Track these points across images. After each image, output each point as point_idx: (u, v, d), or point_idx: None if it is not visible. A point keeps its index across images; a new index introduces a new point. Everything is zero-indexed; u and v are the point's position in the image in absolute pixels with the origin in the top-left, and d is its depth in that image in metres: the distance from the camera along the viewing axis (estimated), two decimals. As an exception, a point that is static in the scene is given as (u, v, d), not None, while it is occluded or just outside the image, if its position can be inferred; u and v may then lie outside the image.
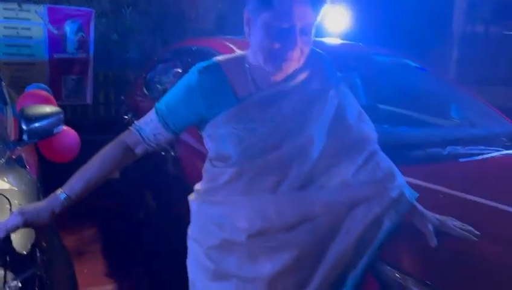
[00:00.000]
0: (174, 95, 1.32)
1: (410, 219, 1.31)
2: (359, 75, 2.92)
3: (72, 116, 5.14)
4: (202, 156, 1.43)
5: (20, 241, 1.20)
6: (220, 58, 1.32)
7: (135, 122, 1.37)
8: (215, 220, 1.33)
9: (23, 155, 1.91)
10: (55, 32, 4.77)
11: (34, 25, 4.76)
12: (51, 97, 2.48)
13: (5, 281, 1.05)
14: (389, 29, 7.79)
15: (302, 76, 1.31)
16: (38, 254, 1.21)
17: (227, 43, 2.46)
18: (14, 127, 2.10)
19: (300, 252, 1.25)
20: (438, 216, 1.33)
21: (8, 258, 1.13)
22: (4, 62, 4.61)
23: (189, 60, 2.85)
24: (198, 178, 1.42)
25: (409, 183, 1.36)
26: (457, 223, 1.32)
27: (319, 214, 1.25)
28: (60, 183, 1.30)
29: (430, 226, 1.30)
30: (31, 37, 4.78)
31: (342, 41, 3.14)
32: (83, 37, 4.91)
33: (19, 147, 1.87)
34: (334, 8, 4.90)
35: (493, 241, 1.30)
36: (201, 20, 6.13)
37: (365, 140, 1.34)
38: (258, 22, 1.21)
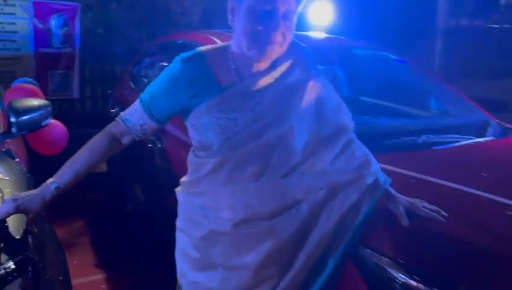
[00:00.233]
0: (157, 84, 1.35)
1: (383, 202, 1.39)
2: (341, 68, 3.00)
3: (59, 110, 5.14)
4: (188, 147, 1.48)
5: (13, 226, 1.26)
6: (203, 48, 1.36)
7: (121, 113, 1.41)
8: (200, 211, 1.37)
9: (12, 148, 1.96)
10: (41, 26, 4.77)
11: (19, 19, 4.75)
12: (38, 90, 2.51)
13: (-1, 263, 1.12)
14: (373, 23, 7.88)
15: (284, 67, 1.36)
16: (30, 239, 1.27)
17: (212, 37, 2.52)
18: (3, 120, 2.14)
19: (284, 240, 1.29)
20: (408, 199, 1.41)
21: (2, 242, 1.18)
22: (-10, 57, 4.62)
23: (174, 53, 2.87)
24: (185, 169, 1.46)
25: (384, 169, 1.44)
26: (427, 205, 1.40)
27: (301, 201, 1.30)
28: (49, 176, 1.34)
29: (402, 208, 1.38)
30: (16, 32, 4.77)
31: (325, 35, 3.21)
32: (68, 31, 4.92)
33: (8, 140, 1.91)
34: (319, 2, 4.97)
35: (460, 221, 1.40)
36: (187, 15, 6.15)
37: (343, 129, 1.40)
38: (241, 8, 1.26)
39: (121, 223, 3.40)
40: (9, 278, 1.10)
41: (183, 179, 1.46)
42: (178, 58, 1.33)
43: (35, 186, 1.34)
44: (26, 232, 1.28)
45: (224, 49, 1.36)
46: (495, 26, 11.26)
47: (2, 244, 1.18)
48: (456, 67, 10.05)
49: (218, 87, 1.31)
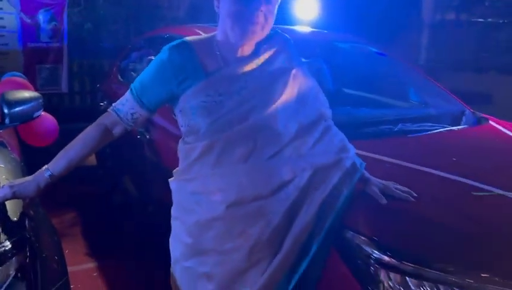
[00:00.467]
0: (147, 73, 1.42)
1: (359, 184, 1.48)
2: (325, 61, 3.09)
3: (48, 105, 5.16)
4: (176, 138, 1.53)
5: (10, 209, 1.34)
6: (189, 38, 1.43)
7: (113, 104, 1.47)
8: (192, 197, 1.42)
9: (5, 139, 2.02)
10: (28, 21, 4.79)
11: (7, 14, 4.77)
12: (28, 83, 2.57)
13: (-1, 242, 1.19)
14: (359, 17, 7.97)
15: (267, 54, 1.44)
16: (26, 221, 1.34)
17: (198, 31, 2.59)
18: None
19: (273, 222, 1.35)
20: (382, 181, 1.51)
21: (0, 223, 1.26)
22: (-22, 52, 4.63)
23: (162, 47, 2.96)
24: (173, 159, 1.52)
25: (362, 155, 1.54)
26: (399, 186, 1.50)
27: (288, 182, 1.36)
28: (39, 167, 1.40)
29: (377, 190, 1.48)
30: (4, 27, 4.78)
31: (309, 29, 3.30)
32: (56, 26, 4.94)
33: (0, 131, 1.97)
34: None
35: (430, 201, 1.50)
36: (174, 9, 6.20)
37: (321, 116, 1.49)
38: None
39: (111, 214, 3.47)
40: (8, 255, 1.17)
41: (176, 169, 1.51)
42: (166, 48, 1.40)
43: (28, 175, 1.41)
44: (23, 215, 1.35)
45: (210, 38, 1.44)
46: (480, 20, 11.45)
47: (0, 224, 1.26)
48: (442, 61, 10.22)
49: (204, 72, 1.37)
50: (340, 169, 1.42)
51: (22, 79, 2.62)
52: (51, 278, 1.26)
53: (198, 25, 2.91)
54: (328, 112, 1.53)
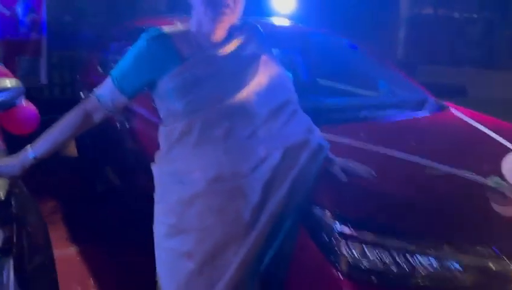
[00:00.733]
0: (126, 61, 1.50)
1: (323, 163, 1.60)
2: (300, 53, 3.22)
3: (27, 96, 5.16)
4: (155, 127, 1.60)
5: (-3, 188, 1.43)
6: (166, 28, 1.52)
7: (94, 90, 1.54)
8: (174, 178, 1.49)
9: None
10: (7, 13, 4.77)
11: (-16, 6, 4.75)
12: (9, 72, 2.61)
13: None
14: (338, 11, 8.10)
15: (238, 41, 1.55)
16: (12, 199, 1.43)
17: (176, 22, 2.67)
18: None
19: (252, 199, 1.43)
20: (344, 160, 1.64)
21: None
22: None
23: (141, 38, 3.04)
24: (154, 148, 1.59)
25: (328, 138, 1.66)
26: (359, 165, 1.64)
27: (264, 160, 1.46)
28: None
29: (339, 168, 1.61)
30: (-18, 19, 4.76)
31: (285, 22, 3.42)
32: (35, 18, 4.93)
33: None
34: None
35: (387, 179, 1.65)
36: (153, 1, 6.24)
37: (289, 101, 1.60)
38: None
39: (93, 202, 3.55)
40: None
41: (157, 153, 1.59)
42: (144, 36, 1.49)
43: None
44: (9, 193, 1.44)
45: (185, 30, 1.54)
46: (456, 14, 11.73)
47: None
48: (419, 55, 10.46)
49: (180, 57, 1.47)
50: (308, 148, 1.53)
51: (2, 67, 2.67)
52: (36, 250, 1.35)
53: (176, 16, 2.99)
54: (295, 97, 1.64)
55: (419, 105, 2.46)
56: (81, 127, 1.54)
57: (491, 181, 1.65)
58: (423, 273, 1.41)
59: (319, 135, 1.62)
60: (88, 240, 3.00)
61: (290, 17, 4.50)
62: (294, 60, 3.19)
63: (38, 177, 1.48)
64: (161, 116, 1.56)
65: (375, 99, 2.58)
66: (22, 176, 1.50)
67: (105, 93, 1.51)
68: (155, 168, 1.59)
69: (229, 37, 1.53)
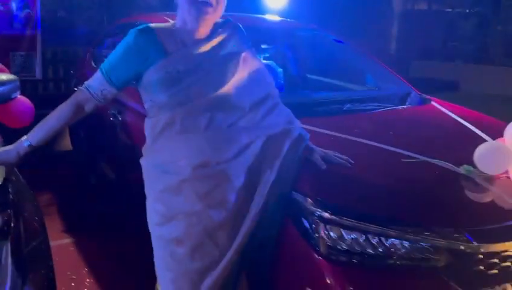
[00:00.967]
0: (115, 54, 1.59)
1: (304, 153, 1.69)
2: (288, 48, 3.30)
3: (22, 91, 5.21)
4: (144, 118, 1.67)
5: (-6, 176, 1.51)
6: (152, 24, 1.61)
7: (85, 82, 1.63)
8: (161, 167, 1.56)
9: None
10: (1, 8, 4.81)
11: (-21, 2, 4.79)
12: (4, 67, 2.69)
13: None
14: (330, 7, 8.17)
15: (220, 38, 1.63)
16: (9, 186, 1.51)
17: (168, 18, 2.73)
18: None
19: (237, 184, 1.50)
20: (324, 150, 1.72)
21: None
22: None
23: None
24: (143, 137, 1.65)
25: (308, 129, 1.75)
26: (338, 155, 1.72)
27: (246, 147, 1.54)
28: None
29: (319, 157, 1.70)
30: (-24, 14, 4.81)
31: (275, 18, 3.49)
32: (29, 13, 4.97)
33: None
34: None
35: (365, 167, 1.73)
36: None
37: (269, 95, 1.68)
38: None
39: (87, 194, 3.63)
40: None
41: (144, 146, 1.66)
42: (132, 31, 1.58)
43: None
44: (6, 180, 1.52)
45: (170, 26, 1.63)
46: (448, 10, 11.83)
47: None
48: (411, 50, 10.56)
49: (165, 52, 1.55)
50: (289, 138, 1.62)
51: (-3, 62, 2.74)
52: (32, 235, 1.43)
53: (168, 13, 3.06)
54: (275, 91, 1.73)
55: (403, 98, 2.55)
56: (74, 117, 1.63)
57: (464, 169, 1.74)
58: (398, 254, 1.50)
59: (299, 126, 1.71)
60: (82, 230, 3.08)
61: (282, 14, 4.57)
62: (284, 55, 3.26)
63: (34, 171, 1.55)
64: (146, 107, 1.64)
65: (359, 93, 2.67)
66: (17, 164, 1.58)
67: (95, 84, 1.59)
68: (143, 161, 1.67)
69: (211, 35, 1.62)
